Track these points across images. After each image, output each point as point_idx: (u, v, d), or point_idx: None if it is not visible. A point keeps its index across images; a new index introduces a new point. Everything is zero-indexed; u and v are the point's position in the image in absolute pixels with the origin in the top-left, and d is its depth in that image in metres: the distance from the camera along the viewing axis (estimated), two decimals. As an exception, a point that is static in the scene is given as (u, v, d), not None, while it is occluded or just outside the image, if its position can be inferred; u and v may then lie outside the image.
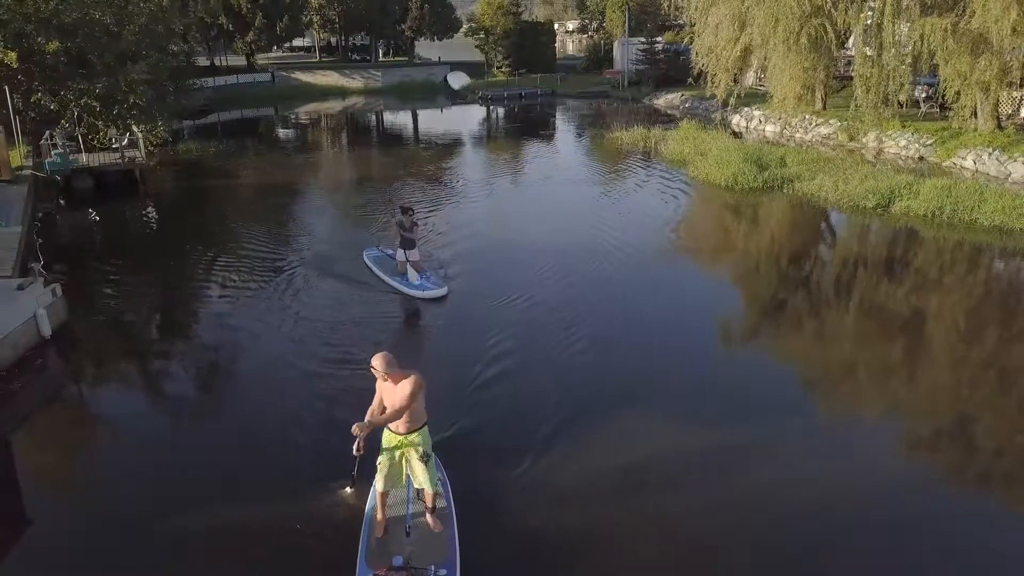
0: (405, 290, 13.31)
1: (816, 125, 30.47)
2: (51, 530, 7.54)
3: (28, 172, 23.26)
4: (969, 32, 22.33)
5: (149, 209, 22.90)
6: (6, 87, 25.22)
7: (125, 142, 25.39)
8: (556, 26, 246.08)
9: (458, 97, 54.21)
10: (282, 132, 42.54)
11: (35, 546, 7.42)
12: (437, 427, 7.92)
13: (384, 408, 6.64)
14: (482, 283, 14.06)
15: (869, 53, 24.24)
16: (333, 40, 69.28)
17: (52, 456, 9.10)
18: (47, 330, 11.76)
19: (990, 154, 23.27)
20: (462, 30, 60.22)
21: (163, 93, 29.51)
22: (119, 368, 11.55)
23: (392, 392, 6.55)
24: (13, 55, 24.76)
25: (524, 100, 49.70)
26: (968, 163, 23.78)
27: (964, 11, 22.75)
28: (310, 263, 15.60)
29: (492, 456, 8.39)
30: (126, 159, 24.44)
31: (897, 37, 23.11)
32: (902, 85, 24.29)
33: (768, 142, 30.17)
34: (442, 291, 13.22)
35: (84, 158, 24.76)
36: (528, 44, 57.91)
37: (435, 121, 46.92)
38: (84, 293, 14.03)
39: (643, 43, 50.37)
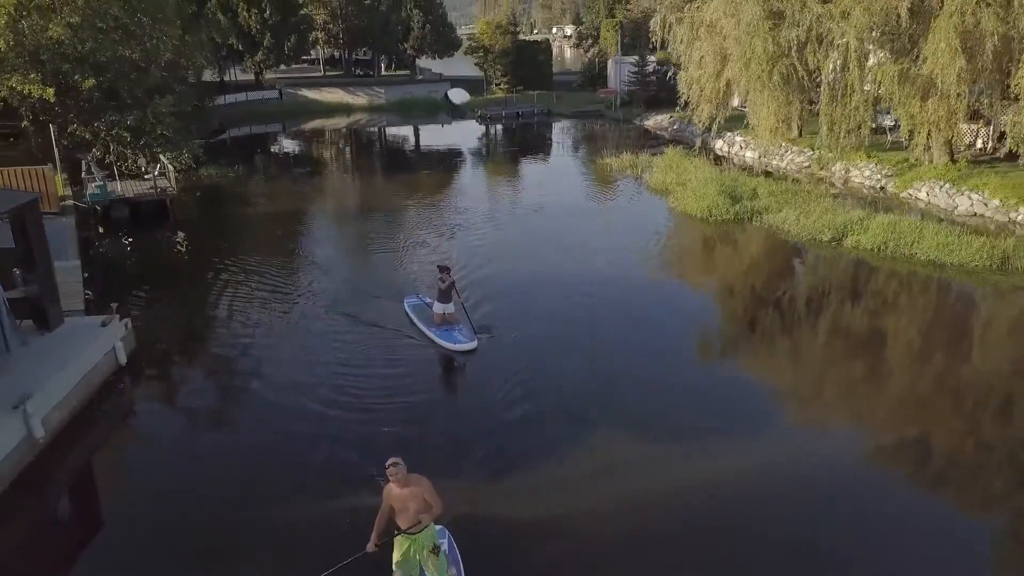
0: (438, 341, 14.78)
1: (791, 153, 32.89)
2: (126, 522, 9.94)
3: (70, 202, 25.67)
4: (920, 77, 24.79)
5: (180, 237, 25.29)
6: (51, 124, 27.65)
7: (156, 172, 27.78)
8: (554, 30, 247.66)
9: (458, 113, 56.67)
10: (293, 154, 44.99)
11: (108, 543, 9.77)
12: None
13: (394, 511, 7.52)
14: (491, 318, 16.33)
15: (833, 94, 26.66)
16: (336, 53, 71.64)
17: (131, 460, 11.52)
18: (123, 359, 14.19)
19: (941, 187, 25.76)
20: (462, 48, 62.52)
21: (187, 124, 31.77)
22: (178, 390, 14.01)
23: (405, 496, 7.38)
24: (51, 91, 27.19)
25: (521, 119, 52.12)
26: (922, 195, 26.26)
27: (917, 57, 25.19)
28: (341, 298, 17.87)
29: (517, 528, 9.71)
30: (158, 189, 26.83)
31: (859, 80, 25.50)
32: (861, 124, 26.72)
33: (746, 168, 32.67)
34: (472, 344, 14.59)
35: (119, 187, 27.18)
36: (526, 62, 60.33)
37: (437, 140, 49.52)
38: (141, 323, 16.41)
39: (635, 64, 52.83)
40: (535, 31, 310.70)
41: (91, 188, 25.75)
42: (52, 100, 27.24)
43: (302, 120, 55.76)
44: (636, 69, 50.94)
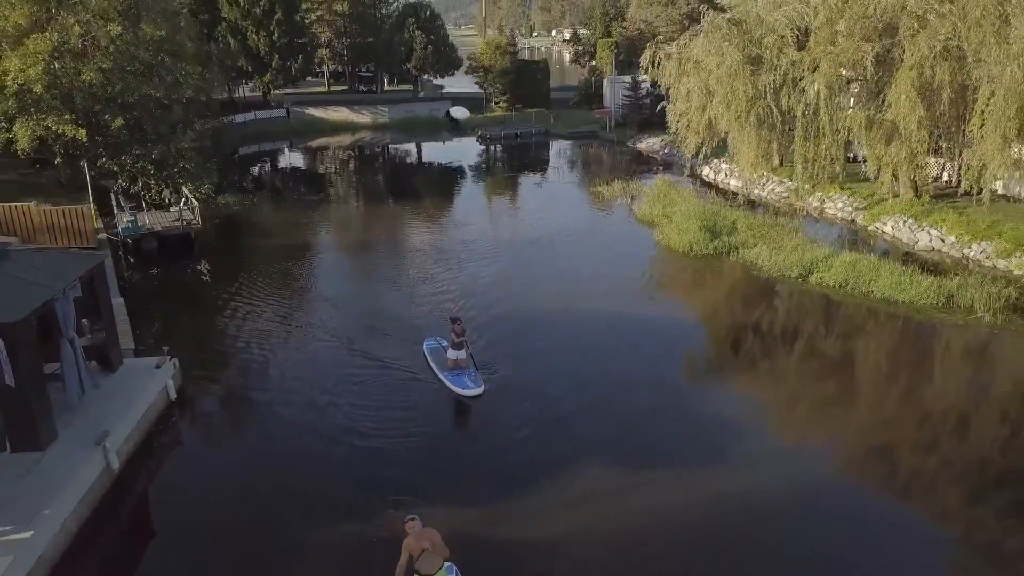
0: (449, 384, 16.63)
1: (772, 183, 35.11)
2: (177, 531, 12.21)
3: (103, 235, 27.85)
4: (885, 122, 27.05)
5: (205, 269, 27.51)
6: (84, 162, 29.90)
7: (182, 205, 29.98)
8: (553, 32, 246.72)
9: (459, 129, 59.06)
10: (303, 177, 47.25)
11: (168, 549, 12.06)
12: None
13: (412, 558, 9.46)
14: (493, 350, 18.57)
15: (806, 135, 28.87)
16: (341, 68, 73.78)
17: (182, 482, 13.77)
18: (173, 395, 16.44)
19: (904, 222, 28.04)
20: (463, 68, 64.75)
21: (207, 157, 33.96)
22: (218, 421, 16.29)
23: (421, 545, 9.48)
24: (83, 132, 29.52)
25: (520, 139, 54.36)
26: (887, 229, 28.54)
27: (884, 101, 27.41)
28: (355, 335, 20.13)
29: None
30: (184, 222, 29.04)
31: (829, 124, 27.73)
32: (834, 161, 28.96)
33: (731, 195, 34.94)
34: (478, 391, 16.29)
35: (147, 219, 29.36)
36: (525, 81, 62.58)
37: (440, 161, 51.98)
38: (180, 356, 18.59)
39: (629, 86, 55.09)
40: (535, 34, 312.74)
41: (123, 222, 27.95)
42: (84, 140, 29.52)
43: (309, 138, 58.06)
44: (630, 92, 53.13)
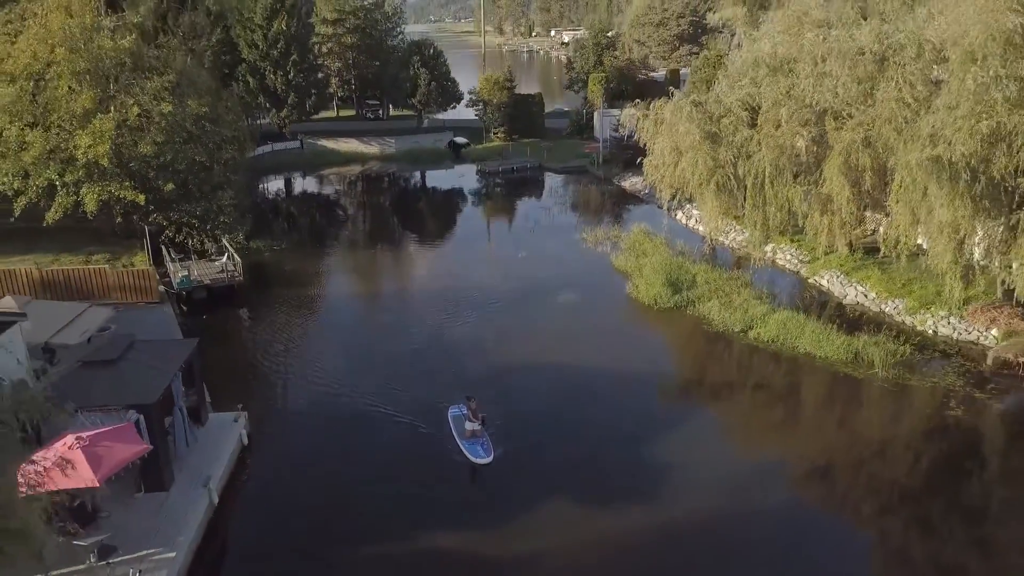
0: (464, 450, 20.77)
1: (734, 231, 40.19)
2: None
3: (162, 289, 32.93)
4: (820, 195, 32.16)
5: (247, 317, 32.64)
6: (137, 216, 34.99)
7: (225, 258, 35.09)
8: (552, 32, 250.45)
9: (460, 157, 64.64)
10: (322, 214, 52.47)
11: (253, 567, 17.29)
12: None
13: None
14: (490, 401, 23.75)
15: (755, 202, 33.93)
16: (349, 95, 78.75)
17: (258, 512, 18.95)
18: (246, 440, 21.65)
19: (837, 277, 33.26)
20: (464, 101, 69.76)
21: (242, 208, 39.00)
22: (278, 464, 21.49)
23: None
24: (142, 197, 34.60)
25: (516, 173, 59.50)
26: (824, 282, 33.76)
27: (820, 176, 32.47)
28: (380, 392, 25.29)
29: None
30: (228, 274, 34.15)
31: (773, 195, 32.82)
32: (781, 224, 34.05)
33: (699, 240, 40.00)
34: (488, 459, 20.22)
35: (196, 271, 34.41)
36: (521, 114, 67.67)
37: (443, 197, 57.07)
38: (241, 399, 23.59)
39: (616, 121, 60.07)
40: (534, 33, 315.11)
41: (177, 277, 33.06)
42: (143, 202, 34.63)
43: (322, 168, 63.37)
44: (616, 132, 58.11)
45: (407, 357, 27.62)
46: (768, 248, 37.40)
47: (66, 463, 14.52)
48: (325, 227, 49.70)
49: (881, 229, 36.52)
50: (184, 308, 32.83)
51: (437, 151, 66.58)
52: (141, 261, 36.44)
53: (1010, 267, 26.75)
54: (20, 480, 13.90)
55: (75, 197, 34.45)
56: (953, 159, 24.77)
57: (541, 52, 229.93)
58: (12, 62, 33.80)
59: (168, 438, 19.18)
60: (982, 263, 27.28)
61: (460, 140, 66.51)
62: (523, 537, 17.85)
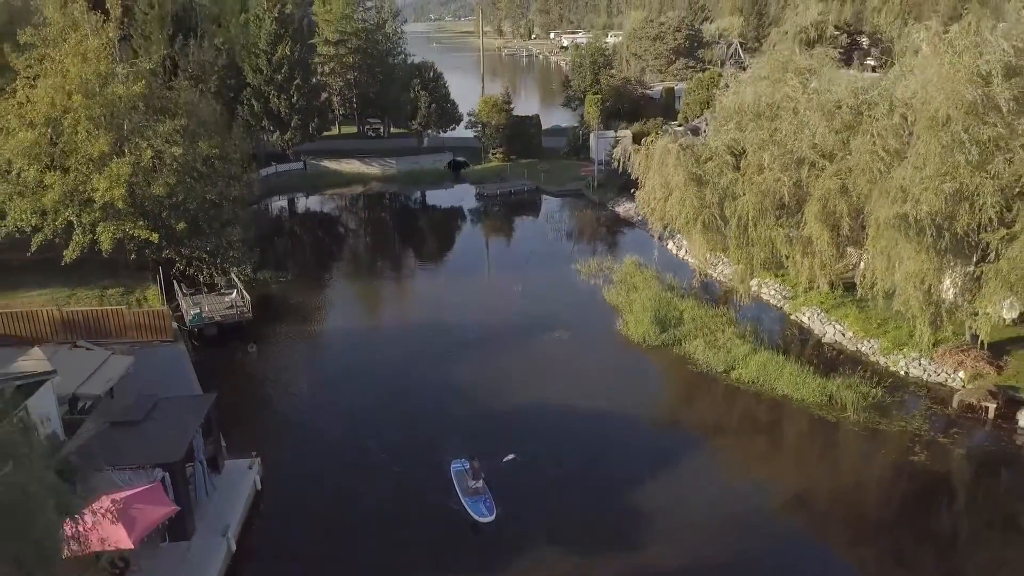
0: (467, 507, 21.78)
1: (722, 264, 41.83)
2: None
3: (175, 326, 34.58)
4: (801, 237, 33.83)
5: (254, 351, 34.23)
6: (160, 267, 36.71)
7: (234, 294, 36.77)
8: (552, 35, 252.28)
9: (459, 177, 66.56)
10: (326, 236, 54.09)
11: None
12: None
13: None
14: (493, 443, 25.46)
15: (739, 242, 35.56)
16: (350, 112, 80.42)
17: (270, 555, 20.64)
18: (259, 485, 23.35)
19: (818, 315, 34.95)
20: (463, 123, 71.40)
21: (251, 245, 40.63)
22: (290, 506, 23.18)
23: None
24: (156, 236, 36.30)
25: (513, 196, 61.20)
26: (805, 319, 35.45)
27: (802, 219, 34.13)
28: (379, 438, 27.02)
29: None
30: (237, 310, 35.82)
31: (756, 236, 34.46)
32: (765, 261, 35.70)
33: (688, 273, 41.61)
34: (490, 518, 21.21)
35: (206, 306, 36.07)
36: (519, 135, 69.33)
37: (443, 223, 58.79)
38: (251, 439, 25.25)
39: (613, 141, 61.85)
40: (533, 36, 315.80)
41: (190, 315, 34.72)
42: (156, 241, 36.31)
43: (324, 189, 65.13)
44: (609, 157, 59.78)
45: (409, 399, 29.28)
46: (753, 283, 39.03)
47: (104, 527, 16.20)
48: (327, 255, 51.33)
49: (861, 264, 38.31)
50: (196, 343, 34.46)
51: (437, 171, 68.32)
52: (153, 295, 38.09)
53: (975, 314, 28.43)
54: (63, 540, 15.62)
55: (91, 235, 36.16)
56: (919, 216, 26.47)
57: (540, 56, 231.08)
58: (32, 108, 35.44)
59: (189, 487, 20.86)
60: (950, 308, 28.91)
61: (460, 160, 68.49)
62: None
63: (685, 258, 44.75)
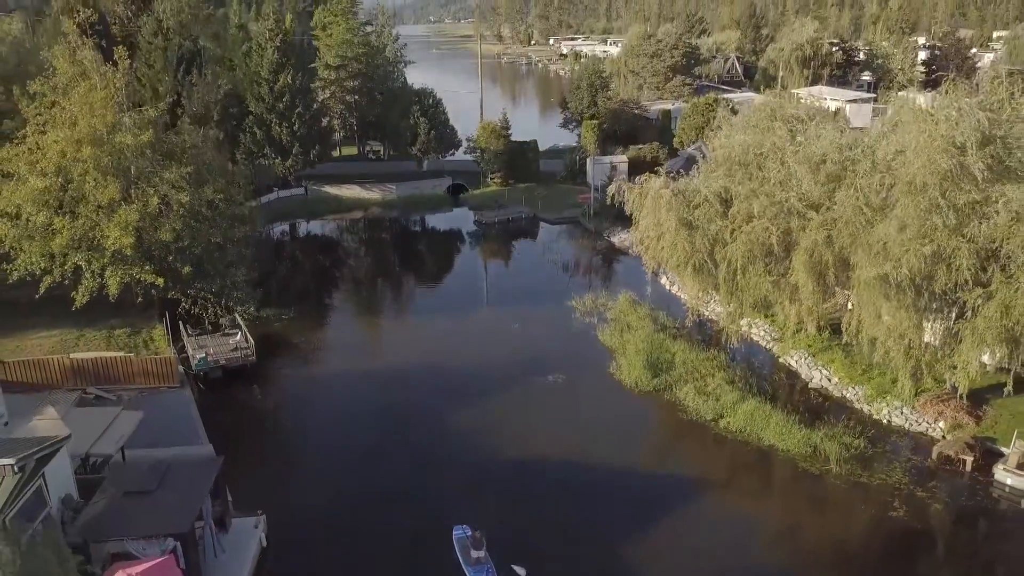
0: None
1: (714, 302, 42.85)
2: None
3: (180, 369, 35.60)
4: (788, 284, 34.87)
5: (258, 394, 35.26)
6: (167, 312, 37.75)
7: (239, 337, 37.82)
8: (551, 41, 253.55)
9: (460, 198, 67.81)
10: (329, 269, 55.19)
11: None
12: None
13: None
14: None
15: (729, 288, 36.60)
16: (350, 135, 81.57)
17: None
18: (264, 543, 24.37)
19: (805, 359, 36.00)
20: (462, 148, 72.54)
21: (254, 285, 41.65)
22: (296, 565, 24.21)
23: None
24: (162, 280, 37.35)
25: (511, 223, 62.28)
26: (793, 362, 36.51)
27: (789, 267, 35.16)
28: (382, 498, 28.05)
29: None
30: (241, 353, 36.86)
31: (744, 282, 35.50)
32: (754, 304, 36.75)
33: (681, 309, 42.57)
34: None
35: (211, 348, 37.13)
36: (517, 161, 70.46)
37: (442, 255, 59.94)
38: (255, 493, 26.24)
39: (610, 167, 63.11)
40: (532, 42, 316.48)
41: (195, 359, 35.76)
42: (161, 285, 37.37)
43: (325, 214, 66.29)
44: (607, 182, 60.77)
45: (408, 451, 30.26)
46: (744, 322, 40.08)
47: (120, 603, 17.24)
48: (328, 286, 52.38)
49: (848, 304, 39.36)
50: (201, 387, 35.48)
51: (437, 196, 69.48)
52: (159, 334, 39.15)
53: (954, 367, 29.48)
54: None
55: (99, 280, 37.19)
56: (900, 277, 27.54)
57: (540, 64, 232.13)
58: (42, 155, 36.45)
59: (199, 548, 21.89)
60: (930, 361, 29.97)
61: (459, 183, 69.79)
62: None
63: (678, 294, 45.77)
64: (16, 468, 19.26)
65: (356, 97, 76.06)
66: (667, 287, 47.20)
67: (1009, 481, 27.37)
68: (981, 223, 26.87)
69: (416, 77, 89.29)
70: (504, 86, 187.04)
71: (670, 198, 38.20)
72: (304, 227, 65.34)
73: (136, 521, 20.33)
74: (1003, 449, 28.70)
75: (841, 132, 33.28)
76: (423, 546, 24.77)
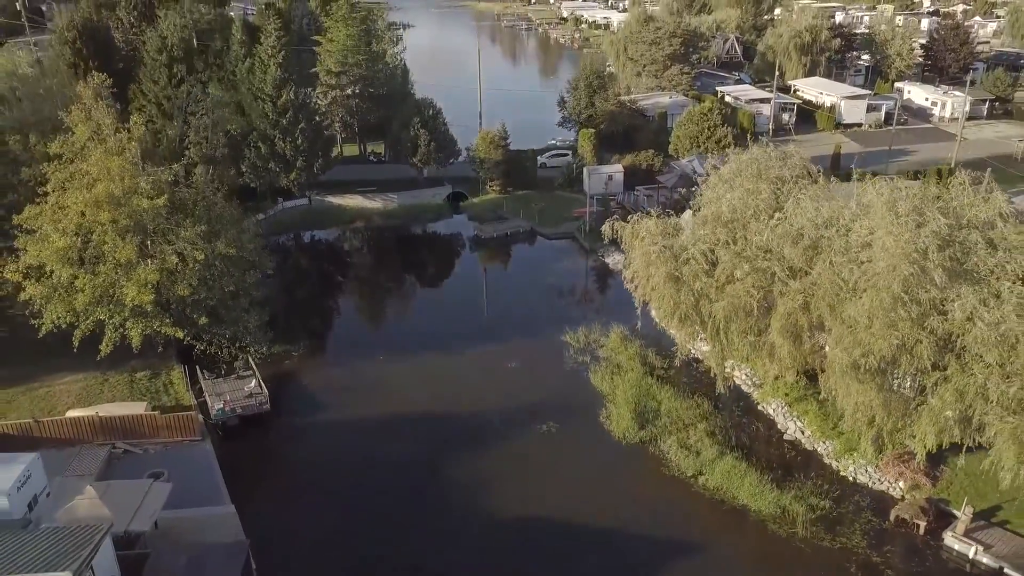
0: None
1: (701, 341, 45.27)
2: None
3: (200, 418, 38.24)
4: (766, 344, 37.29)
5: (275, 442, 38.05)
6: (187, 365, 40.31)
7: (253, 384, 40.45)
8: (552, 1, 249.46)
9: (459, 206, 70.46)
10: (328, 294, 57.59)
11: None
12: None
13: None
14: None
15: (714, 341, 39.01)
16: (351, 137, 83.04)
17: None
18: (286, 612, 27.33)
19: (781, 408, 38.68)
20: (461, 158, 74.09)
21: (265, 330, 44.08)
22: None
23: None
24: (181, 332, 39.89)
25: (509, 239, 64.42)
26: (771, 411, 39.21)
27: (768, 327, 37.50)
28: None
29: None
30: (256, 400, 39.53)
31: (727, 343, 37.92)
32: (736, 353, 39.24)
33: (670, 339, 44.98)
34: None
35: (228, 397, 39.78)
36: (515, 169, 72.18)
37: (441, 265, 62.26)
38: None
39: (606, 177, 65.01)
40: (533, 0, 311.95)
41: (214, 409, 38.47)
42: (181, 337, 39.93)
43: (328, 225, 68.40)
44: (603, 194, 62.88)
45: (406, 502, 33.16)
46: (728, 364, 42.60)
47: None
48: (332, 312, 54.73)
49: (827, 348, 41.82)
50: (220, 433, 38.25)
51: (436, 205, 71.40)
52: (178, 376, 41.79)
53: (913, 436, 32.11)
54: None
55: (121, 331, 39.69)
56: (868, 365, 30.00)
57: (540, 28, 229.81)
58: (64, 215, 38.54)
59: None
60: (891, 431, 32.58)
61: (459, 191, 71.87)
62: None
63: (668, 332, 48.08)
64: (74, 580, 21.98)
65: (357, 101, 77.41)
66: (657, 322, 49.51)
67: (957, 547, 30.26)
68: (941, 318, 29.14)
69: (415, 39, 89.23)
70: (504, 49, 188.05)
71: (659, 253, 40.37)
72: (308, 238, 67.42)
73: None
74: (955, 512, 31.50)
75: (817, 210, 35.03)
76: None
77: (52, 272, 39.10)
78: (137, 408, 37.38)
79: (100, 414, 36.16)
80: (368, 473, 35.66)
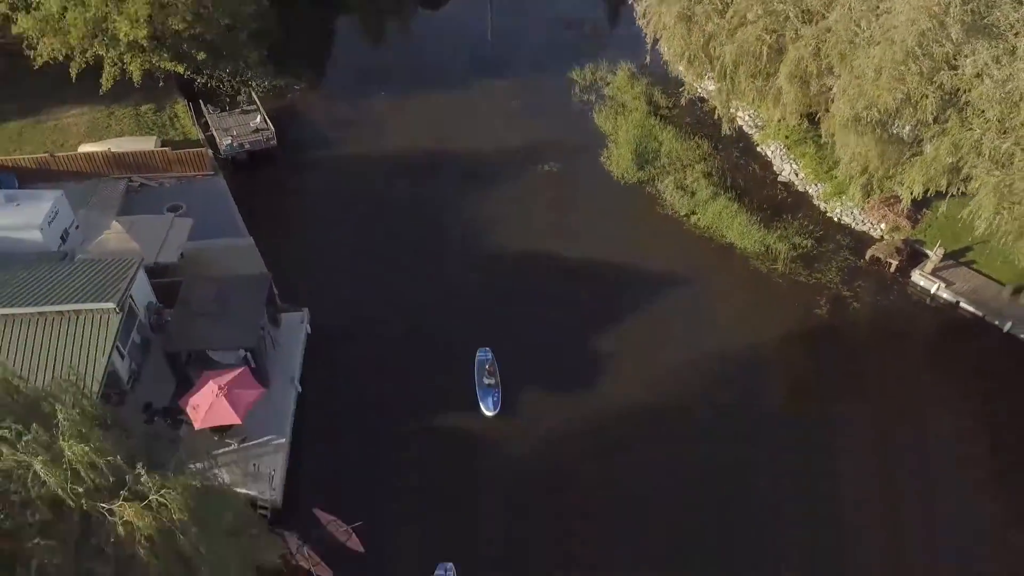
0: (479, 395, 27.94)
1: (708, 79, 44.38)
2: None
3: (210, 153, 39.02)
4: (775, 88, 36.76)
5: (285, 176, 39.30)
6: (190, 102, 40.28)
7: (259, 119, 40.72)
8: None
9: None
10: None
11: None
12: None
13: None
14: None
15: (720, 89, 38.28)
16: None
17: (328, 387, 28.75)
18: (309, 330, 30.65)
19: (779, 150, 39.30)
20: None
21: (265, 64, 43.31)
22: (338, 344, 30.73)
23: None
24: (181, 67, 39.71)
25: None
26: (769, 152, 39.80)
27: (775, 72, 36.65)
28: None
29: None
30: (263, 135, 40.08)
31: (735, 87, 37.29)
32: (742, 97, 38.93)
33: (678, 77, 44.15)
34: (493, 412, 27.01)
35: (235, 131, 40.33)
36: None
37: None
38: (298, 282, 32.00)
39: None
40: None
41: (223, 145, 39.25)
42: (182, 71, 39.69)
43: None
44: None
45: (427, 237, 35.37)
46: (733, 106, 42.29)
47: (216, 407, 23.84)
48: (333, 49, 52.31)
49: (833, 90, 41.39)
50: (232, 167, 39.47)
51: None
52: (182, 110, 42.07)
53: (902, 183, 33.10)
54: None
55: (121, 66, 39.29)
56: (870, 118, 30.07)
57: None
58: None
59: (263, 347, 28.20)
60: (880, 179, 33.49)
61: None
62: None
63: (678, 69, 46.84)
64: (118, 310, 24.56)
65: None
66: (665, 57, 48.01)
67: (922, 283, 32.75)
68: (951, 72, 28.58)
69: None
70: None
71: (671, -12, 38.23)
72: None
73: (212, 337, 26.31)
74: (928, 252, 33.54)
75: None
76: (439, 335, 31.12)
77: (40, 4, 37.86)
78: (147, 143, 38.31)
79: (112, 149, 37.10)
80: (368, 206, 37.13)
